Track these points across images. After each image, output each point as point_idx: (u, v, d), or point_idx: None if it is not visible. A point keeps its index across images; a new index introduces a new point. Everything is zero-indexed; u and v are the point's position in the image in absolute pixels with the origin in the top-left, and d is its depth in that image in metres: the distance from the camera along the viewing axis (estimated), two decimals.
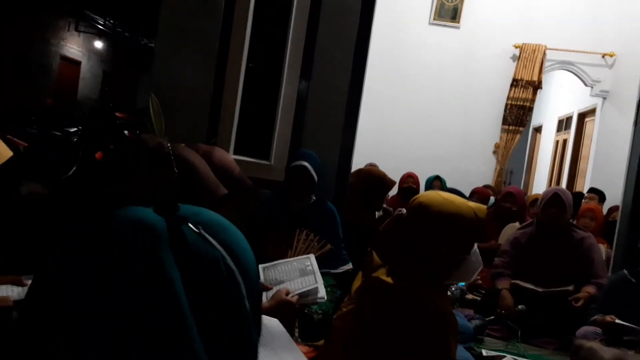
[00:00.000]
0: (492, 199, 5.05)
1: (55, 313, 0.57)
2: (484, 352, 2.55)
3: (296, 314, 2.20)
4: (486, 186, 6.17)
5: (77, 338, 0.55)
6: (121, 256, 0.58)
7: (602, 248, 3.89)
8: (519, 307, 3.08)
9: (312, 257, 2.38)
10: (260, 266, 2.34)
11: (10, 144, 1.94)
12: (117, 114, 7.58)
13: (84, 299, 0.56)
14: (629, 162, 3.25)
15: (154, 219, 0.61)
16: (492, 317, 3.09)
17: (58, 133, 5.77)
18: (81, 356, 0.55)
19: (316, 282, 2.19)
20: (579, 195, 5.94)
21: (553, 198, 3.31)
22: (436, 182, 5.26)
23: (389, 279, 1.49)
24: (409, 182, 4.96)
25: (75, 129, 6.35)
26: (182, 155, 1.50)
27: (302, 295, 2.15)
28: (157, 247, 0.58)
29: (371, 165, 5.46)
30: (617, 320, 2.70)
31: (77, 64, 12.35)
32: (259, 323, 0.66)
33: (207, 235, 0.61)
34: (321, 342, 1.79)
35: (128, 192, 1.40)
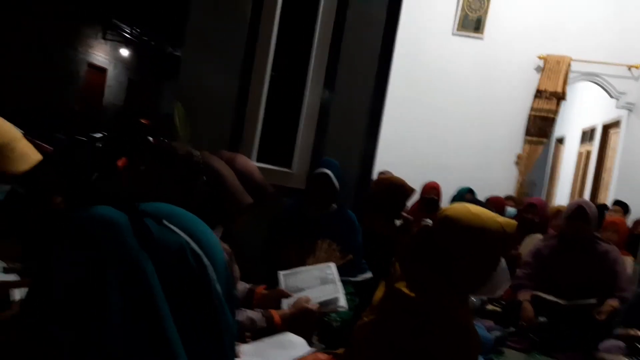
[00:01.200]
0: (509, 209, 4.99)
1: (50, 312, 0.59)
2: None
3: (315, 322, 2.21)
4: (508, 197, 6.11)
5: (70, 333, 0.57)
6: (89, 251, 0.60)
7: (629, 261, 3.82)
8: (541, 318, 3.05)
9: (333, 265, 2.39)
10: (281, 273, 2.36)
11: (38, 149, 2.00)
12: (141, 121, 7.70)
13: (68, 297, 0.58)
14: None
15: (116, 214, 0.63)
16: (513, 329, 3.07)
17: (83, 138, 5.88)
18: (78, 354, 0.57)
19: (337, 291, 2.20)
20: (603, 207, 5.86)
21: (577, 210, 3.27)
22: (468, 195, 5.19)
23: (411, 292, 1.49)
24: (432, 193, 4.93)
25: (100, 134, 6.47)
26: (211, 164, 1.53)
27: (322, 304, 2.16)
28: (124, 237, 0.61)
29: (384, 173, 5.44)
30: None
31: (103, 71, 12.60)
32: (233, 305, 0.68)
33: (170, 225, 0.64)
34: (340, 350, 1.80)
35: (153, 199, 1.44)
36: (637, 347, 2.59)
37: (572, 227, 3.26)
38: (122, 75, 13.41)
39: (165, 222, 0.64)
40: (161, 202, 1.45)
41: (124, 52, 13.18)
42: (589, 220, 3.23)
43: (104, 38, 12.34)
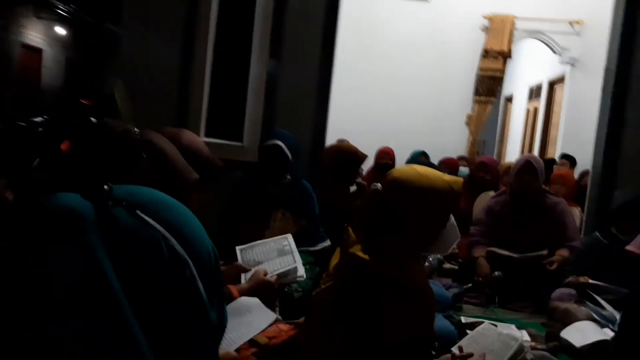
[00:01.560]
0: (462, 169, 5.09)
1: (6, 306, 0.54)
2: (463, 319, 2.60)
3: (276, 294, 2.20)
4: (460, 157, 6.23)
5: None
6: (47, 245, 0.55)
7: (577, 212, 3.97)
8: (496, 273, 3.15)
9: (289, 236, 2.38)
10: (238, 248, 2.33)
11: None
12: (82, 101, 7.40)
13: (27, 290, 0.54)
14: (598, 127, 3.31)
15: (80, 204, 0.57)
16: (470, 285, 3.15)
17: (23, 124, 5.60)
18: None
19: (294, 261, 2.20)
20: (551, 161, 6.05)
21: (525, 166, 3.35)
22: (422, 158, 5.25)
23: (365, 255, 1.49)
24: (385, 158, 4.96)
25: (41, 118, 6.18)
26: (151, 141, 1.46)
27: (281, 275, 2.15)
28: (83, 232, 0.55)
29: (341, 141, 5.44)
30: (591, 281, 2.77)
31: (38, 51, 11.96)
32: (221, 301, 0.63)
33: (143, 216, 0.58)
34: (302, 319, 1.80)
35: (96, 180, 1.37)
36: (587, 293, 2.70)
37: (521, 182, 3.33)
38: (60, 55, 12.78)
39: (139, 213, 0.58)
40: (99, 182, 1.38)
41: (60, 30, 12.54)
42: (536, 174, 3.31)
43: (37, 16, 11.68)
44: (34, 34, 11.68)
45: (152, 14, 3.13)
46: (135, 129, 1.43)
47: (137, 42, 3.14)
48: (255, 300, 1.81)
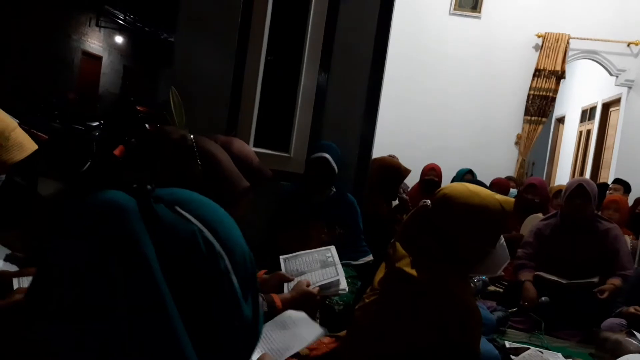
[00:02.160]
0: (512, 190, 4.98)
1: (53, 301, 0.56)
2: (507, 344, 2.52)
3: (317, 305, 2.20)
4: (509, 178, 6.09)
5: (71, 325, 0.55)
6: (94, 237, 0.57)
7: (628, 240, 3.82)
8: (543, 298, 3.05)
9: (332, 248, 2.38)
10: (281, 257, 2.34)
11: (34, 138, 1.97)
12: (138, 108, 7.64)
13: (72, 285, 0.56)
14: None
15: (125, 199, 0.60)
16: (515, 309, 3.06)
17: (80, 127, 5.84)
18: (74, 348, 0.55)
19: (337, 273, 2.19)
20: (604, 186, 5.84)
21: (577, 189, 3.25)
22: (467, 176, 5.19)
23: (412, 271, 1.48)
24: (431, 174, 4.92)
25: (97, 123, 6.43)
26: (205, 148, 1.50)
27: (323, 287, 2.15)
28: (129, 223, 0.58)
29: (391, 156, 5.43)
30: None
31: (98, 59, 12.50)
32: (256, 299, 0.65)
33: (182, 212, 0.61)
34: (343, 332, 1.79)
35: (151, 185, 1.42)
36: (638, 324, 2.59)
37: (572, 206, 3.23)
38: (118, 63, 13.31)
39: (178, 209, 0.61)
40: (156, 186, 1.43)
41: (119, 39, 13.07)
42: (589, 198, 3.20)
43: (98, 25, 12.22)
44: (95, 42, 12.22)
45: (206, 24, 3.21)
46: (191, 136, 1.47)
47: (191, 50, 3.23)
48: (302, 314, 1.81)
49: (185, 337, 0.55)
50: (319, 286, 2.10)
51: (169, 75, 3.52)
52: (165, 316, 0.55)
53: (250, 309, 0.63)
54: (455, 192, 1.57)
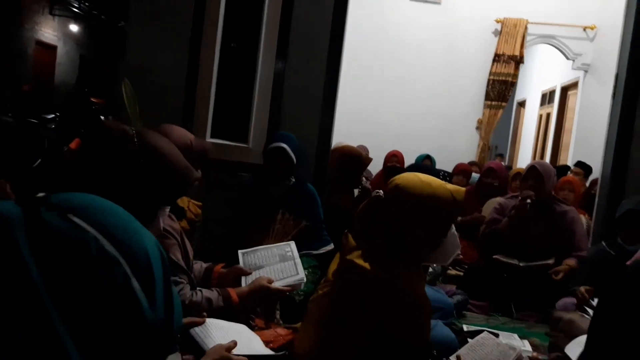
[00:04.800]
0: (475, 175, 5.06)
1: None
2: (465, 328, 2.57)
3: (275, 301, 2.19)
4: (471, 163, 6.18)
5: None
6: None
7: (583, 219, 3.92)
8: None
9: (292, 243, 2.36)
10: (240, 252, 2.32)
11: None
12: (93, 100, 7.43)
13: None
14: (608, 135, 3.26)
15: (6, 208, 0.60)
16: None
17: (34, 120, 5.65)
18: None
19: (296, 269, 2.17)
20: (565, 168, 5.97)
21: (530, 171, 3.32)
22: (426, 161, 5.25)
23: (363, 262, 1.48)
24: (393, 160, 4.95)
25: (53, 115, 6.23)
26: (151, 142, 1.45)
27: (285, 286, 2.12)
28: (8, 231, 0.57)
29: (360, 147, 5.42)
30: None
31: (53, 48, 12.07)
32: (169, 298, 0.64)
33: (75, 219, 0.60)
34: (299, 324, 1.79)
35: (90, 185, 1.36)
36: (589, 304, 2.66)
37: (526, 188, 3.29)
38: (73, 52, 12.88)
39: (71, 216, 0.60)
40: (98, 187, 1.38)
41: (74, 27, 12.64)
42: (542, 180, 3.26)
43: (52, 13, 11.79)
44: (49, 31, 11.79)
45: (159, 13, 3.13)
46: (133, 130, 1.42)
47: (144, 41, 3.14)
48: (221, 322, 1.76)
49: (71, 347, 0.55)
50: (285, 285, 2.07)
51: (122, 66, 3.43)
52: (47, 328, 0.54)
53: (162, 310, 0.62)
54: (407, 182, 1.57)
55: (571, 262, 3.16)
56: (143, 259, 0.62)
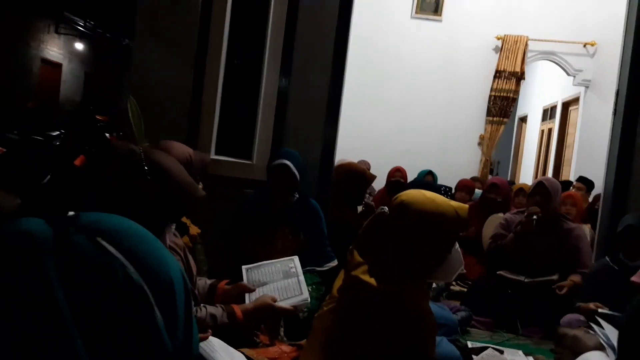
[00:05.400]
0: (477, 191, 5.06)
1: None
2: (469, 344, 2.56)
3: (279, 319, 2.19)
4: (474, 178, 6.19)
5: None
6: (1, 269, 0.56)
7: (586, 229, 3.91)
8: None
9: (296, 259, 2.36)
10: (244, 267, 2.32)
11: None
12: (98, 117, 7.49)
13: None
14: (609, 152, 3.27)
15: (38, 229, 0.58)
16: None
17: (39, 138, 5.69)
18: None
19: (300, 287, 2.16)
20: (567, 183, 5.97)
21: (538, 187, 3.32)
22: (428, 177, 5.26)
23: (368, 278, 1.48)
24: (397, 176, 4.96)
25: (57, 132, 6.27)
26: (156, 160, 1.47)
27: (290, 305, 2.11)
28: (37, 256, 0.56)
29: (362, 162, 5.45)
30: (600, 310, 2.71)
31: (58, 66, 12.19)
32: (189, 327, 0.64)
33: (104, 243, 0.59)
34: (304, 341, 1.79)
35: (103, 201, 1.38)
36: (596, 320, 2.64)
37: (533, 204, 3.29)
38: (78, 70, 13.01)
39: (100, 240, 0.59)
40: (107, 204, 1.39)
41: (79, 45, 12.78)
42: (549, 196, 3.27)
43: (57, 32, 11.93)
44: (54, 49, 11.92)
45: (164, 31, 3.17)
46: (140, 149, 1.44)
47: (149, 58, 3.18)
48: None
49: None
50: (290, 305, 2.06)
51: (128, 84, 3.46)
52: (71, 355, 0.54)
53: (182, 340, 0.62)
54: (412, 198, 1.58)
55: (576, 278, 3.15)
56: (168, 289, 0.61)
